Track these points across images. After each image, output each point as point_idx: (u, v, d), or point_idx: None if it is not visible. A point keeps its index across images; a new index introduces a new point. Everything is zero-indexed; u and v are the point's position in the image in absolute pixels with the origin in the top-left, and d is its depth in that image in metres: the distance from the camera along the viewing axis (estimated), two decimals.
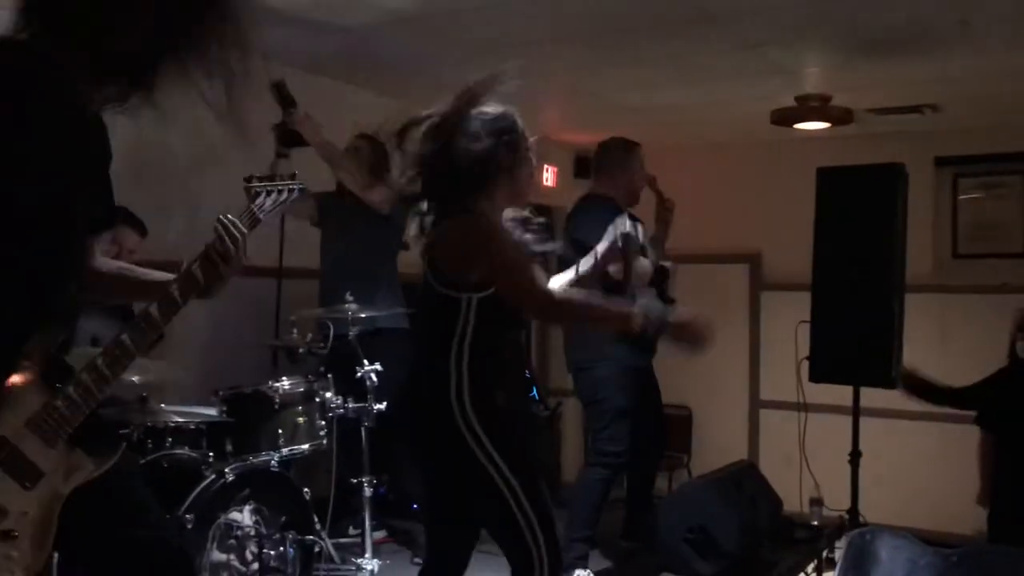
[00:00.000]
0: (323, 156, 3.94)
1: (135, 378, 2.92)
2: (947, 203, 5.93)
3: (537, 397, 5.58)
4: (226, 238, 1.74)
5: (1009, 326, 4.13)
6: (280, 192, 1.93)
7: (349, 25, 3.96)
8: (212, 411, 3.18)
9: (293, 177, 1.98)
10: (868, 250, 4.16)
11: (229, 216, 1.78)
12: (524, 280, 2.36)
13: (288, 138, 3.93)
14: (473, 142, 2.38)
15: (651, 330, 2.32)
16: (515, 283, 2.35)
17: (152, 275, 1.86)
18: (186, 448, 3.08)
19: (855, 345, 4.13)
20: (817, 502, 4.27)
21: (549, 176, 6.68)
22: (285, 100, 3.83)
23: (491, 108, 2.45)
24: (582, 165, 6.86)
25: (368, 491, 3.48)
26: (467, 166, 2.37)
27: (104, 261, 1.88)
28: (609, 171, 4.15)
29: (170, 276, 1.77)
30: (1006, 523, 3.75)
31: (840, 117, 5.14)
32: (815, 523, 4.22)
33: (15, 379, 1.52)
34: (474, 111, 2.42)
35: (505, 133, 2.43)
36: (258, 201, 1.90)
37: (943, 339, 5.50)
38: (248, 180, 1.95)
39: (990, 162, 5.79)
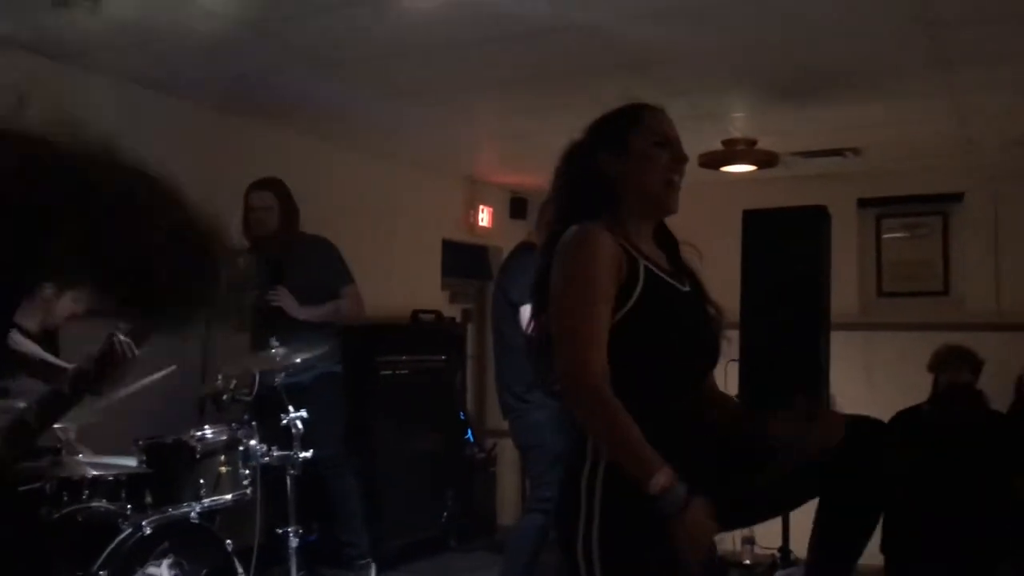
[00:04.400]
0: (317, 321, 4.01)
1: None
2: (871, 243, 6.10)
3: (472, 439, 5.55)
4: (115, 353, 1.67)
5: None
6: None
7: (274, 67, 3.95)
8: (132, 461, 3.09)
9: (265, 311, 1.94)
10: (794, 289, 4.24)
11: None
12: (566, 330, 1.77)
13: (268, 315, 3.97)
14: (577, 153, 2.00)
15: (660, 511, 1.66)
16: (556, 328, 1.80)
17: (58, 363, 1.82)
18: (103, 501, 2.97)
19: (782, 383, 4.19)
20: (749, 541, 4.30)
21: (485, 217, 6.72)
22: (274, 278, 3.91)
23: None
24: (517, 205, 6.92)
25: (294, 540, 3.41)
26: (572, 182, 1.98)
27: (21, 342, 1.84)
28: None
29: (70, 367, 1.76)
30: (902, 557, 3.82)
31: (766, 160, 5.27)
32: (747, 562, 4.25)
33: None
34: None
35: (605, 131, 1.99)
36: None
37: (869, 374, 5.62)
38: None
39: (911, 203, 5.99)
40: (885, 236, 6.11)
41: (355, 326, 4.94)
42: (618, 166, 1.93)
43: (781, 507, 1.97)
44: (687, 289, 1.93)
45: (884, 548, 3.93)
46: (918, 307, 5.90)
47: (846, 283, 5.71)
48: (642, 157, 1.94)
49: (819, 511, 1.90)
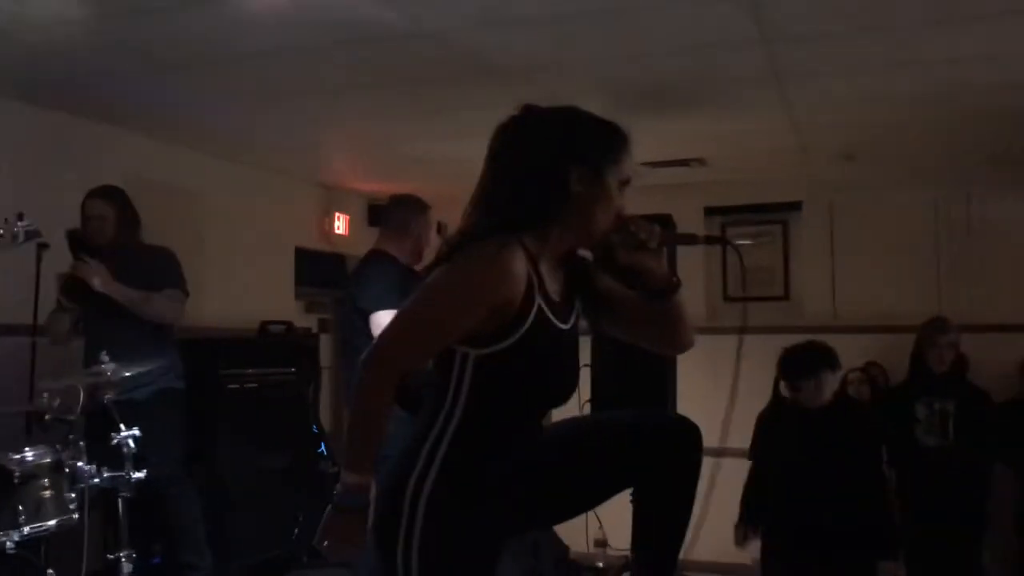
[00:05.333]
0: (125, 304, 3.73)
1: None
2: (716, 250, 6.32)
3: (327, 453, 5.41)
4: None
5: (773, 365, 4.40)
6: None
7: (120, 69, 3.76)
8: None
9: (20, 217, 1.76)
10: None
11: None
12: (395, 325, 1.76)
13: (72, 288, 3.72)
14: (538, 151, 1.84)
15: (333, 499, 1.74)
16: (405, 310, 1.78)
17: None
18: None
19: (632, 387, 4.29)
20: (601, 543, 4.36)
21: (341, 224, 6.59)
22: (77, 250, 3.61)
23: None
24: (375, 213, 6.82)
25: (127, 566, 3.23)
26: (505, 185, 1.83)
27: None
28: (396, 229, 4.05)
29: None
30: (775, 555, 3.96)
31: None
32: (600, 565, 4.30)
33: None
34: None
35: (583, 146, 1.85)
36: None
37: (716, 377, 5.79)
38: None
39: (754, 212, 6.24)
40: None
41: (199, 340, 4.76)
42: (582, 190, 1.80)
43: (593, 499, 1.97)
44: (567, 327, 1.87)
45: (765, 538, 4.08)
46: (761, 311, 6.14)
47: (694, 289, 5.89)
48: (607, 195, 1.83)
49: (634, 506, 1.94)
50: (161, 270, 3.96)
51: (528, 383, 1.80)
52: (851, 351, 5.35)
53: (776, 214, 6.23)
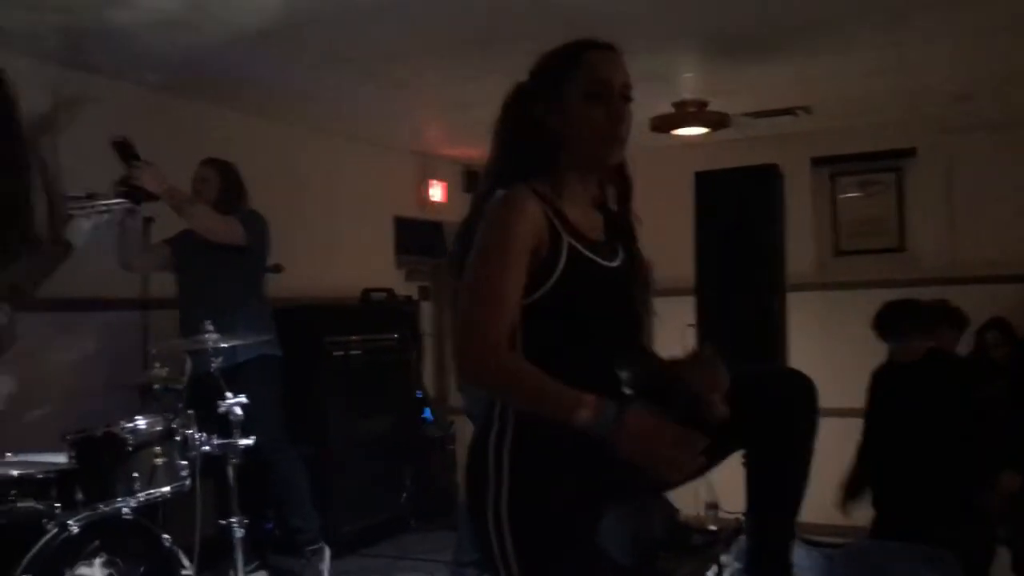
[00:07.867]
0: (171, 205, 3.67)
1: None
2: (826, 202, 6.05)
3: (431, 418, 5.45)
4: None
5: None
6: (101, 214, 1.75)
7: (198, 43, 3.79)
8: (62, 458, 2.95)
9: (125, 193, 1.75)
10: (747, 251, 4.18)
11: None
12: (470, 299, 1.65)
13: (128, 196, 3.70)
14: (514, 102, 1.82)
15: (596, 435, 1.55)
16: (462, 299, 1.67)
17: None
18: (32, 501, 2.83)
19: (740, 345, 4.13)
20: (712, 506, 4.24)
21: (438, 192, 6.58)
22: (128, 156, 3.58)
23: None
24: (472, 179, 6.79)
25: (239, 532, 3.29)
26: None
27: None
28: None
29: None
30: (891, 518, 3.77)
31: (717, 121, 5.18)
32: (712, 528, 4.19)
33: None
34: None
35: (542, 76, 1.82)
36: (72, 225, 1.72)
37: (827, 333, 5.57)
38: None
39: (864, 160, 5.93)
40: (840, 195, 6.06)
41: (304, 307, 4.84)
42: (554, 119, 1.75)
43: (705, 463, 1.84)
44: (615, 264, 1.78)
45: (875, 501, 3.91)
46: (875, 264, 5.86)
47: (802, 243, 5.65)
48: (574, 111, 1.75)
49: (747, 468, 1.83)
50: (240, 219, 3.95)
51: (580, 324, 1.70)
52: (976, 303, 5.05)
53: (888, 161, 5.91)
